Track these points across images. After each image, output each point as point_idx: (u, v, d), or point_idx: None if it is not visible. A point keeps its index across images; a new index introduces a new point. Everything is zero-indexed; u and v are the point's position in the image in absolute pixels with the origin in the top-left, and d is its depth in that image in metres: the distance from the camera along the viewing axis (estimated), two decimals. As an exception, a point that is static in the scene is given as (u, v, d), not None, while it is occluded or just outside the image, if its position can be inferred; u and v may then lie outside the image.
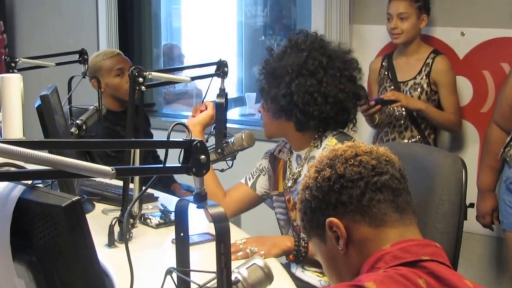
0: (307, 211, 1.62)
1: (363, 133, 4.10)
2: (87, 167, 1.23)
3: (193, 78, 2.89)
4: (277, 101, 2.60)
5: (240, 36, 6.11)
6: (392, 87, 3.99)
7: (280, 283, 2.11)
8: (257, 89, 2.78)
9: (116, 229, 2.58)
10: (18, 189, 1.13)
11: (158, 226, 2.80)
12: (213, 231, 2.64)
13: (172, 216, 2.86)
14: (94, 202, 3.14)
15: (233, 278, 1.58)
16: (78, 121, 3.40)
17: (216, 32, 6.22)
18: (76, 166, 1.21)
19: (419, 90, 3.92)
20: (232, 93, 5.67)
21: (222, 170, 2.89)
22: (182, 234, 1.61)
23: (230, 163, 2.92)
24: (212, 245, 2.53)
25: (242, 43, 6.08)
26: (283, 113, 2.63)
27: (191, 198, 1.47)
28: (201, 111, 2.88)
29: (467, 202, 4.04)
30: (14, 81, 2.44)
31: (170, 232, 2.71)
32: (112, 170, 1.25)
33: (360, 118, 3.75)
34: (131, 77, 2.53)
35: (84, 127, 3.42)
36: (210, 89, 2.90)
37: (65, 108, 3.52)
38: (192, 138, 1.41)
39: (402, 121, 3.96)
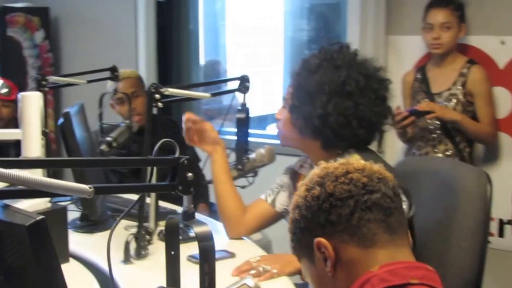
0: (296, 231, 1.56)
1: (395, 147, 4.06)
2: (63, 186, 1.23)
3: (213, 94, 2.87)
4: (310, 120, 2.47)
5: (287, 50, 6.10)
6: (426, 99, 3.88)
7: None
8: (287, 104, 2.63)
9: (133, 245, 2.58)
10: (-13, 208, 1.13)
11: (174, 242, 2.78)
12: (232, 248, 2.67)
13: (191, 233, 2.85)
14: (117, 218, 3.13)
15: (222, 299, 1.55)
16: (108, 138, 3.41)
17: (263, 47, 6.20)
18: (51, 185, 1.21)
19: (454, 100, 3.81)
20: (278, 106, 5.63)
21: (243, 187, 2.86)
22: (173, 253, 1.59)
23: (251, 179, 2.89)
24: (229, 262, 2.55)
25: (289, 57, 6.05)
26: (313, 132, 2.51)
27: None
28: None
29: (499, 218, 4.04)
30: (33, 100, 2.48)
31: (186, 249, 2.66)
32: (90, 188, 1.25)
33: (392, 131, 3.76)
34: (148, 94, 2.53)
35: (114, 144, 3.43)
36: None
37: (96, 125, 3.55)
38: (179, 155, 1.40)
39: (436, 135, 3.86)
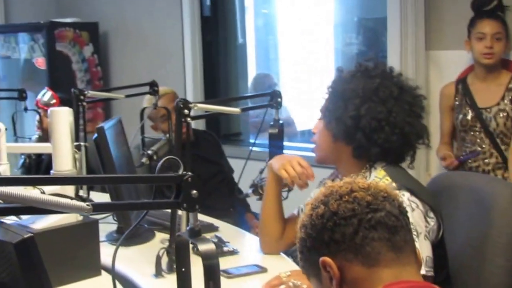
0: (303, 250, 1.55)
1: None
2: (60, 203, 1.22)
3: (243, 110, 2.85)
4: (343, 121, 2.43)
5: (338, 63, 6.08)
6: (473, 114, 3.82)
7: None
8: (321, 110, 2.60)
9: (165, 259, 2.57)
10: (-18, 225, 1.13)
11: (209, 257, 2.76)
12: (264, 263, 2.65)
13: (226, 247, 2.84)
14: (155, 232, 3.14)
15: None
16: (149, 152, 3.42)
17: (313, 60, 6.19)
18: (48, 202, 1.20)
19: (503, 115, 3.76)
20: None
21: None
22: (183, 269, 1.57)
23: (285, 194, 2.87)
24: (260, 277, 2.53)
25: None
26: (345, 136, 2.46)
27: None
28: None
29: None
30: (63, 115, 2.50)
31: (220, 263, 2.67)
32: (88, 206, 1.24)
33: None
34: (177, 109, 2.52)
35: (155, 157, 3.44)
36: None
37: (138, 139, 3.58)
38: (184, 172, 1.38)
39: (486, 149, 3.80)
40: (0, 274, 1.12)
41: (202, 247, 1.36)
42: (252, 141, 5.73)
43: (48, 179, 1.38)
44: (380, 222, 1.46)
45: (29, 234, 1.07)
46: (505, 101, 3.77)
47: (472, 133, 3.83)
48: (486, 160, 3.80)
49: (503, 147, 3.77)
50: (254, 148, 3.31)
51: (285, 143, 5.42)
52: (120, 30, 6.12)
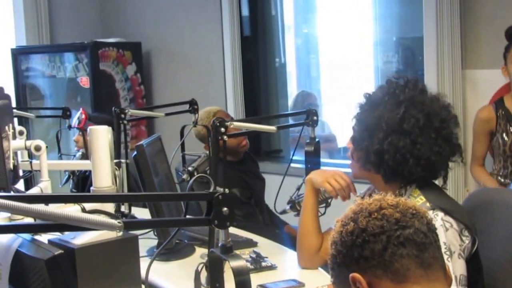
0: (334, 266, 1.56)
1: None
2: (92, 220, 1.23)
3: (279, 128, 2.86)
4: (367, 155, 2.44)
5: (377, 81, 6.07)
6: None
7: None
8: (352, 135, 2.59)
9: (204, 274, 2.58)
10: (17, 242, 1.15)
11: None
12: (301, 278, 2.65)
13: (264, 262, 2.85)
14: (196, 247, 3.15)
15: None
16: (189, 168, 3.44)
17: (354, 78, 6.19)
18: (80, 219, 1.21)
19: None
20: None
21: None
22: (217, 285, 1.58)
23: (323, 210, 2.87)
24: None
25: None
26: (372, 167, 2.47)
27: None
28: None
29: None
30: (102, 133, 2.52)
31: (258, 278, 2.68)
32: (119, 223, 1.25)
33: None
34: (213, 128, 2.54)
35: (195, 173, 3.46)
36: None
37: (178, 156, 3.59)
38: (217, 190, 1.39)
39: None
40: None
41: (234, 263, 1.36)
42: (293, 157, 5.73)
43: (82, 197, 1.40)
44: (408, 239, 1.46)
45: (60, 251, 1.09)
46: None
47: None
48: None
49: None
50: (293, 165, 3.32)
51: (327, 160, 5.47)
52: (163, 49, 6.18)
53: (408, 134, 2.34)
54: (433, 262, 1.48)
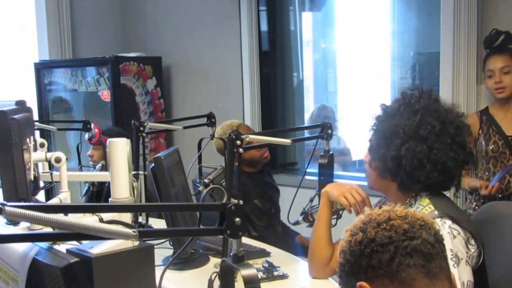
0: (342, 274, 1.57)
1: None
2: (107, 229, 1.26)
3: (294, 141, 2.87)
4: (385, 162, 2.47)
5: (394, 95, 6.08)
6: (502, 141, 3.90)
7: None
8: (369, 146, 2.64)
9: (217, 282, 2.59)
10: (34, 250, 1.17)
11: (260, 280, 2.78)
12: (313, 287, 2.66)
13: (276, 272, 2.87)
14: (210, 257, 3.17)
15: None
16: (206, 180, 3.47)
17: (371, 92, 6.21)
18: (95, 229, 1.24)
19: None
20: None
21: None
22: (228, 293, 1.60)
23: (334, 221, 2.88)
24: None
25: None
26: (389, 174, 2.49)
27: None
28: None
29: None
30: (121, 145, 2.55)
31: (270, 287, 2.72)
32: (134, 232, 1.27)
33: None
34: (229, 140, 2.56)
35: (211, 185, 3.48)
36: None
37: (195, 168, 3.62)
38: (229, 201, 1.41)
39: None
40: (50, 295, 1.16)
41: (244, 272, 1.38)
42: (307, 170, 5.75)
43: (99, 207, 1.43)
44: (416, 250, 1.47)
45: (75, 259, 1.11)
46: None
47: (501, 160, 3.89)
48: None
49: None
50: (308, 177, 3.33)
51: (341, 172, 5.47)
52: (182, 64, 6.22)
53: (425, 140, 2.37)
54: (439, 272, 1.49)
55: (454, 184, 2.51)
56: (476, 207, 3.88)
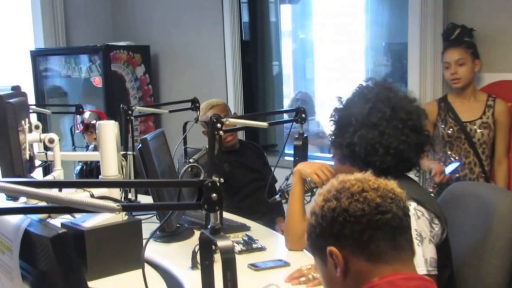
0: (312, 234, 1.58)
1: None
2: (93, 203, 1.28)
3: (270, 124, 2.90)
4: (341, 149, 2.47)
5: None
6: (458, 127, 3.96)
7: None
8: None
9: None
10: (26, 222, 1.19)
11: (240, 252, 2.82)
12: (288, 258, 2.69)
13: (255, 244, 2.90)
14: (195, 230, 3.20)
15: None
16: (191, 160, 3.49)
17: (346, 79, 6.23)
18: (82, 203, 1.26)
19: (488, 128, 3.92)
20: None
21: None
22: (207, 262, 1.63)
23: (308, 198, 2.91)
24: (285, 270, 2.58)
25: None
26: (347, 161, 2.48)
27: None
28: None
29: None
30: (109, 127, 2.58)
31: (249, 258, 2.74)
32: (118, 206, 1.29)
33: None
34: (210, 123, 2.58)
35: (195, 165, 3.50)
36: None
37: (181, 148, 3.64)
38: (206, 178, 1.43)
39: (471, 159, 3.94)
40: (40, 264, 1.18)
41: (221, 243, 1.40)
42: (286, 151, 5.79)
43: (88, 183, 1.45)
44: (386, 224, 1.48)
45: (63, 230, 1.13)
46: (487, 115, 3.91)
47: (457, 144, 3.96)
48: (473, 170, 3.94)
49: (483, 157, 3.92)
50: (286, 158, 3.36)
51: (318, 154, 5.50)
52: (169, 52, 6.22)
53: (376, 126, 2.36)
54: (405, 245, 1.51)
55: (414, 165, 2.49)
56: (435, 186, 3.94)
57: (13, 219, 1.23)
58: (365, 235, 1.47)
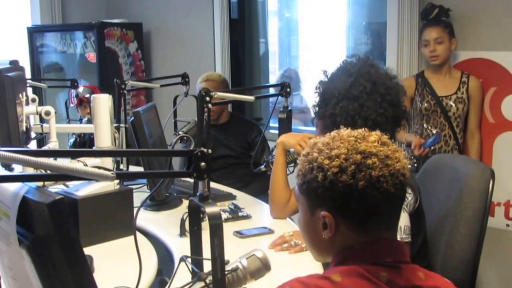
0: (310, 191, 1.47)
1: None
2: (88, 171, 1.27)
3: (257, 98, 2.90)
4: (324, 120, 2.50)
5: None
6: (434, 101, 3.99)
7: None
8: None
9: (188, 222, 2.62)
10: (24, 189, 1.18)
11: (226, 220, 2.83)
12: (272, 226, 2.71)
13: (240, 213, 2.91)
14: (183, 199, 3.21)
15: (234, 266, 1.57)
16: (180, 132, 3.48)
17: (329, 57, 6.22)
18: (79, 171, 1.26)
19: (462, 103, 3.96)
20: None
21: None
22: (195, 228, 1.63)
23: (291, 169, 2.92)
24: (268, 237, 2.59)
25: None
26: (328, 131, 2.51)
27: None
28: None
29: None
30: (103, 100, 2.56)
31: (235, 226, 2.76)
32: (112, 174, 1.29)
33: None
34: (199, 97, 2.57)
35: (185, 137, 3.50)
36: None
37: (171, 121, 3.63)
38: (196, 148, 1.43)
39: (446, 131, 3.98)
40: (37, 229, 1.17)
41: (209, 209, 1.39)
42: (271, 125, 5.79)
43: (83, 152, 1.45)
44: (382, 205, 1.43)
45: (60, 196, 1.12)
46: (462, 91, 3.96)
47: (433, 118, 3.99)
48: (448, 143, 3.98)
49: (457, 130, 3.97)
50: (271, 131, 3.36)
51: (302, 127, 5.51)
52: (161, 30, 6.18)
53: (356, 99, 2.39)
54: (396, 221, 1.50)
55: (390, 138, 2.49)
56: (412, 157, 3.96)
57: (11, 187, 1.22)
58: (365, 214, 1.42)
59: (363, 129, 1.58)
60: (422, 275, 1.43)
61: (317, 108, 2.56)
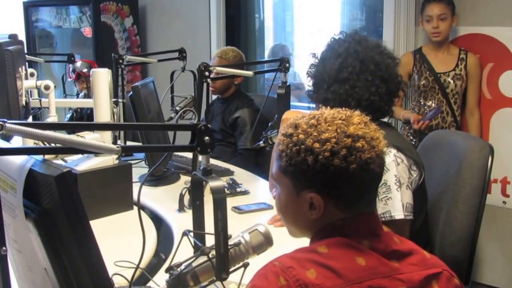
0: (299, 169, 1.45)
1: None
2: (95, 145, 1.27)
3: (255, 73, 2.89)
4: (317, 105, 2.46)
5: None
6: (432, 78, 3.98)
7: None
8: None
9: (186, 197, 2.63)
10: (30, 162, 1.18)
11: (224, 196, 2.84)
12: (271, 201, 2.71)
13: (239, 188, 2.92)
14: (181, 175, 3.21)
15: (236, 240, 1.58)
16: (177, 108, 3.48)
17: (323, 32, 6.19)
18: (85, 144, 1.26)
19: (461, 80, 3.95)
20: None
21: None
22: (198, 202, 1.63)
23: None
24: (268, 212, 2.60)
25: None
26: None
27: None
28: None
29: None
30: (103, 75, 2.55)
31: (233, 201, 2.76)
32: (118, 147, 1.29)
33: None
34: (199, 72, 2.56)
35: (181, 112, 3.50)
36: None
37: (168, 96, 3.63)
38: (200, 122, 1.43)
39: (444, 108, 3.96)
40: (44, 202, 1.17)
41: (212, 183, 1.39)
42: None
43: (84, 125, 1.44)
44: (373, 185, 1.49)
45: (68, 169, 1.12)
46: (460, 68, 3.95)
47: (431, 94, 3.98)
48: (445, 119, 3.97)
49: (455, 107, 3.95)
50: (268, 107, 3.34)
51: (296, 103, 5.51)
52: (156, 4, 6.14)
53: (347, 80, 2.35)
54: (374, 198, 1.54)
55: (386, 113, 2.46)
56: (409, 134, 3.97)
57: (17, 159, 1.22)
58: (355, 197, 1.45)
59: (343, 108, 1.56)
60: (397, 240, 1.49)
61: (311, 93, 2.52)
